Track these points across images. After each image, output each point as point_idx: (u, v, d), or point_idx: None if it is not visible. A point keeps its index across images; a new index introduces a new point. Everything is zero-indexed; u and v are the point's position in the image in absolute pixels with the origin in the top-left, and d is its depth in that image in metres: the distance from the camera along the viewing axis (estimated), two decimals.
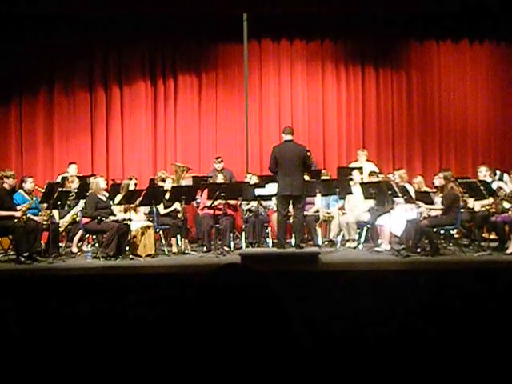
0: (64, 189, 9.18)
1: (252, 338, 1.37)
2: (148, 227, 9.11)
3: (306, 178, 9.36)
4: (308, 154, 9.18)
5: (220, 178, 9.72)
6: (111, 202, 9.26)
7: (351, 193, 9.45)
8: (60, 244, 9.30)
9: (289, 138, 8.74)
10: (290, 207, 8.86)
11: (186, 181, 10.39)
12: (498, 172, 9.96)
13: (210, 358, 1.37)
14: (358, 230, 9.62)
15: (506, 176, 9.82)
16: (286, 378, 1.37)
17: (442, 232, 8.92)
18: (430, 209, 8.64)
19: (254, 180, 10.04)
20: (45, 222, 8.76)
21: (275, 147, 8.80)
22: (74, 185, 9.58)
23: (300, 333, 1.44)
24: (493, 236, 9.21)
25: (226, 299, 1.41)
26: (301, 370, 1.39)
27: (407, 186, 8.99)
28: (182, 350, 1.40)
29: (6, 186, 8.59)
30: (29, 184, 8.85)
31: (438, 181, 8.99)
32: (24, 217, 8.41)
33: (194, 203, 10.05)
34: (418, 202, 8.70)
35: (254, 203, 9.81)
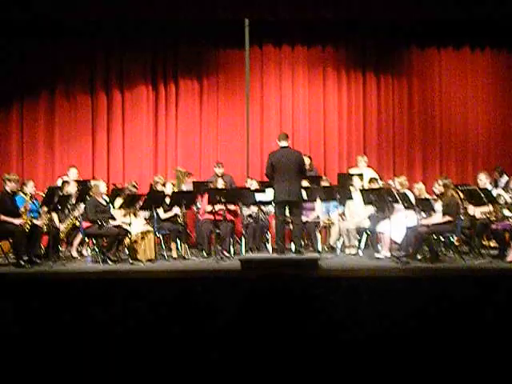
0: (64, 192, 9.19)
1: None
2: (148, 232, 9.11)
3: (305, 183, 9.38)
4: (305, 159, 9.19)
5: (220, 183, 9.72)
6: (111, 206, 9.26)
7: (351, 198, 9.46)
8: (60, 248, 9.29)
9: (284, 144, 8.79)
10: (287, 212, 8.87)
11: (187, 186, 10.40)
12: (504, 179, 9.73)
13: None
14: (358, 237, 9.62)
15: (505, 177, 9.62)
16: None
17: (442, 239, 8.91)
18: (436, 222, 8.56)
19: (254, 185, 10.04)
20: (45, 226, 8.76)
21: (271, 153, 8.85)
22: (70, 188, 9.56)
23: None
24: (493, 244, 9.20)
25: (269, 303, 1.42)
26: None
27: (407, 192, 9.00)
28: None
29: (7, 188, 8.60)
30: (30, 188, 8.88)
31: (438, 189, 9.01)
32: (28, 221, 8.43)
33: (195, 208, 10.06)
34: (421, 211, 8.62)
35: (254, 208, 9.82)
